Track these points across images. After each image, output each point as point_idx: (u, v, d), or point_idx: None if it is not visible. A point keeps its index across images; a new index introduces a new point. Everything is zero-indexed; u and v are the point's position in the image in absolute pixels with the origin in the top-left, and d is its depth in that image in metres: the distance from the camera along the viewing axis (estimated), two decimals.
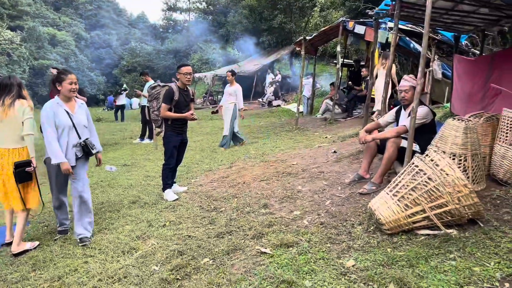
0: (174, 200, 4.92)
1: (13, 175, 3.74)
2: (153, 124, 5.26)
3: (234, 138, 8.92)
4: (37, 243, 4.03)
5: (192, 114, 5.03)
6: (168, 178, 5.11)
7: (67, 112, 3.88)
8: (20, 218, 3.89)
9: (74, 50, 40.89)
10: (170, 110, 4.93)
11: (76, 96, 4.09)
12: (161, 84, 5.15)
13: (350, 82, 11.88)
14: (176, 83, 5.02)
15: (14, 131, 3.81)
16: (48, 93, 19.62)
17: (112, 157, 8.78)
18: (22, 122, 3.80)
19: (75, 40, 43.00)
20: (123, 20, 58.99)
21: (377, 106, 8.80)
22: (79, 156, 3.97)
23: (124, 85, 19.51)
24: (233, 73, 8.96)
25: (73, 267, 3.36)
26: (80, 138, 3.94)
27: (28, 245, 3.94)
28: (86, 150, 3.98)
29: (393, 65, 9.69)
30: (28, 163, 3.80)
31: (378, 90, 8.65)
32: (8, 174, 3.77)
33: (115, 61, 43.51)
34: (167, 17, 46.86)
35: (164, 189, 5.12)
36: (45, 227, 4.49)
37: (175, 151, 5.07)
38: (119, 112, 18.27)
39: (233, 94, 8.65)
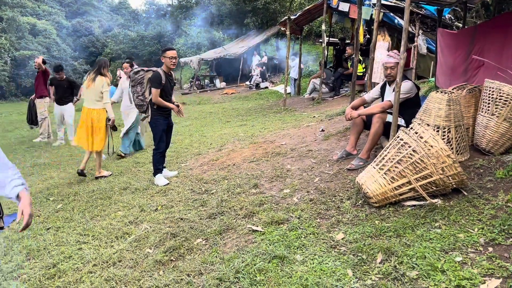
0: (165, 185, 4.95)
1: (105, 126, 5.75)
2: (138, 109, 5.23)
3: (135, 143, 7.48)
4: (110, 172, 5.99)
5: (178, 108, 5.10)
6: (159, 163, 5.11)
7: None
8: (99, 155, 5.89)
9: (56, 39, 39.95)
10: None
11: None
12: (145, 69, 5.11)
13: (346, 53, 11.54)
14: (161, 67, 4.98)
15: (94, 96, 5.69)
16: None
17: None
18: (102, 93, 5.68)
19: (56, 28, 41.97)
20: (104, 7, 57.70)
21: (376, 77, 8.85)
22: None
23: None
24: (131, 63, 7.03)
25: (67, 254, 3.39)
26: None
27: (105, 172, 5.94)
28: None
29: (389, 40, 9.72)
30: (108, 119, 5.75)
31: (377, 62, 8.74)
32: (95, 126, 5.68)
33: (98, 49, 42.68)
34: (150, 2, 45.95)
35: (155, 174, 5.13)
36: (37, 217, 4.48)
37: (164, 135, 5.07)
38: None
39: None
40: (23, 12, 41.53)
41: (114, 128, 5.95)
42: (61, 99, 8.63)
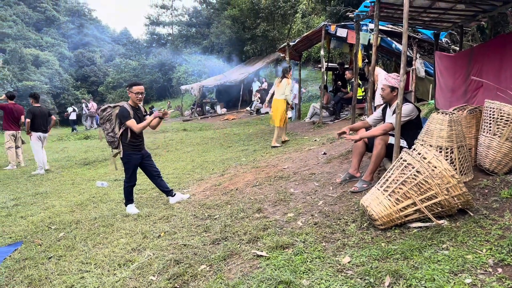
0: (135, 213, 5.03)
1: (288, 109, 9.16)
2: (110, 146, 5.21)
3: None
4: (281, 144, 8.83)
5: (160, 111, 5.05)
6: (130, 194, 5.21)
7: None
8: (277, 129, 8.90)
9: (58, 69, 40.63)
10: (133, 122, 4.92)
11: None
12: (112, 105, 5.12)
13: (339, 82, 12.00)
14: (127, 102, 5.00)
15: (280, 91, 8.82)
16: None
17: (103, 172, 8.73)
18: (285, 89, 8.72)
19: (58, 59, 42.75)
20: (106, 37, 58.94)
21: (377, 101, 8.91)
22: None
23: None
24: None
25: (69, 283, 3.33)
26: None
27: (277, 144, 8.77)
28: None
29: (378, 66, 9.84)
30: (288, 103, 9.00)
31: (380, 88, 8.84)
32: (281, 110, 8.78)
33: (100, 78, 43.34)
34: (150, 31, 46.88)
35: (126, 204, 5.23)
36: (39, 246, 4.43)
37: (136, 169, 5.12)
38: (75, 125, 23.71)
39: None
40: (26, 44, 42.41)
41: (292, 107, 9.58)
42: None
